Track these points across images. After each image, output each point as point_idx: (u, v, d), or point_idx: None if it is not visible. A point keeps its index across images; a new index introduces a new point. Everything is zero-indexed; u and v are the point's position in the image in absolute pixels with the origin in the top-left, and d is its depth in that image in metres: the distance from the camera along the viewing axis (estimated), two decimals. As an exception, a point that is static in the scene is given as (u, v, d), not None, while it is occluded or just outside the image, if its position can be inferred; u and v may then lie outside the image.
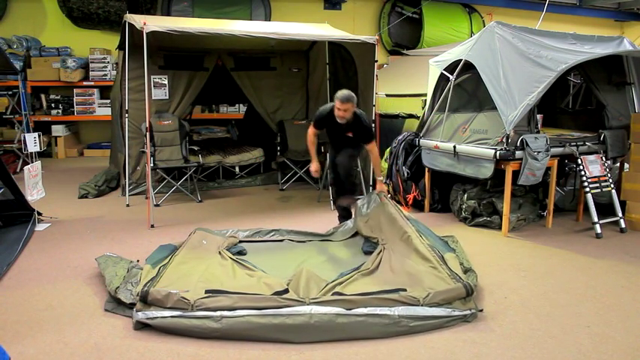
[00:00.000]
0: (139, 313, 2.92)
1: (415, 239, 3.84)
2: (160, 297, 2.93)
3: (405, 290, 3.12)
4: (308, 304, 2.91)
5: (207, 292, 3.04)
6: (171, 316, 2.88)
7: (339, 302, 2.95)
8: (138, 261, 3.83)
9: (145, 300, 2.94)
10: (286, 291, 3.05)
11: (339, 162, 4.85)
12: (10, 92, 8.62)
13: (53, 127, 9.28)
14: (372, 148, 4.81)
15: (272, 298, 2.94)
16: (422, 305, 2.99)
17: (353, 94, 4.57)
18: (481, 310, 3.15)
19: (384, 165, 6.13)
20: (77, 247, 4.43)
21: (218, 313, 2.86)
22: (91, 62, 9.31)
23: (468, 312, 3.07)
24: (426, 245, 3.77)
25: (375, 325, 2.89)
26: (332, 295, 3.04)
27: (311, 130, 4.91)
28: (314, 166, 4.92)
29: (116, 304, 3.21)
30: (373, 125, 5.96)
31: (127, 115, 6.10)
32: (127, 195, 6.13)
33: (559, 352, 2.76)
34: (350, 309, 2.91)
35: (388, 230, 4.18)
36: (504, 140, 4.64)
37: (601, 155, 5.13)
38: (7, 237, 4.57)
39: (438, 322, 2.99)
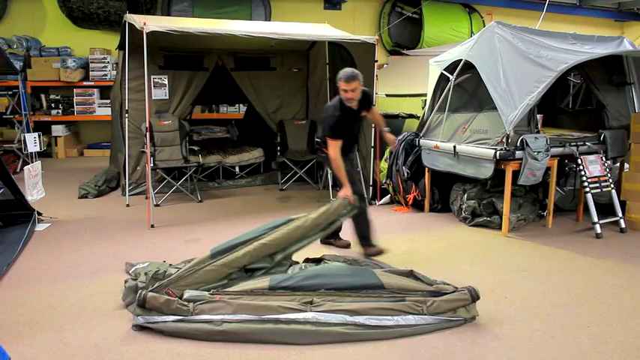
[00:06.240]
0: (139, 318, 2.92)
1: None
2: (158, 304, 2.91)
3: (409, 295, 3.07)
4: (309, 312, 2.89)
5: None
6: (172, 321, 2.87)
7: (341, 311, 2.90)
8: (164, 261, 3.79)
9: (143, 306, 2.92)
10: (285, 288, 3.05)
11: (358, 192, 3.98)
12: (10, 92, 8.64)
13: (53, 127, 9.28)
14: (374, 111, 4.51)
15: (273, 307, 2.90)
16: (425, 314, 2.95)
17: (357, 71, 3.98)
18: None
19: (384, 165, 6.13)
20: (77, 247, 4.44)
21: (219, 317, 2.86)
22: (91, 62, 9.31)
23: (469, 318, 3.04)
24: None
25: (377, 334, 2.87)
26: (334, 302, 3.00)
27: (337, 147, 3.89)
28: (348, 191, 3.85)
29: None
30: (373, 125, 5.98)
31: (127, 115, 6.10)
32: (127, 195, 6.13)
33: (559, 352, 2.76)
34: (352, 315, 2.88)
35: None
36: (504, 140, 4.64)
37: (601, 155, 5.13)
38: (7, 237, 4.57)
39: (439, 326, 2.97)
